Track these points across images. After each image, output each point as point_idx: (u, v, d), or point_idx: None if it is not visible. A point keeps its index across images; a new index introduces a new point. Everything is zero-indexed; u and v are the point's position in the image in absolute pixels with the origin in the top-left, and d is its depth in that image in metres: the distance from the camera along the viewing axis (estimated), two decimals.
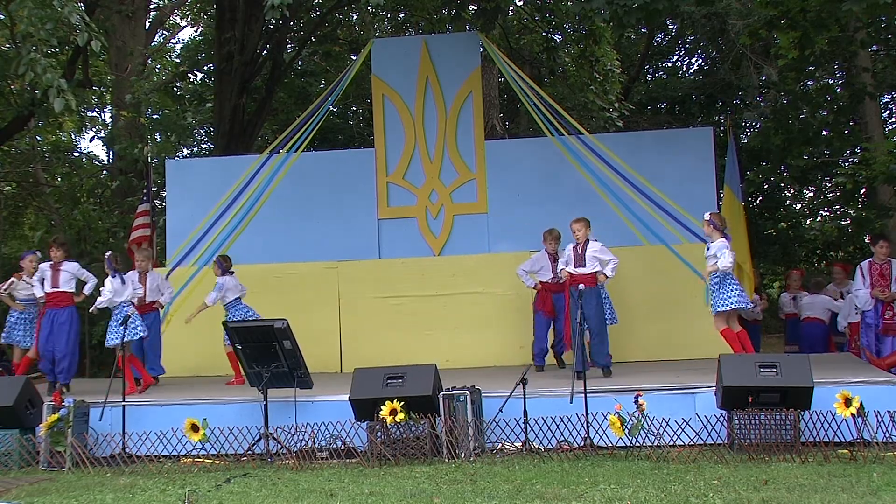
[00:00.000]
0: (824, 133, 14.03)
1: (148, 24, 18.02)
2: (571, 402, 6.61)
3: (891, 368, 7.86)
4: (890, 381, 6.77)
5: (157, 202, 13.23)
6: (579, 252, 8.16)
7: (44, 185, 18.22)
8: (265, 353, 7.05)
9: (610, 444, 6.47)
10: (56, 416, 6.95)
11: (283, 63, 16.38)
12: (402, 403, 6.51)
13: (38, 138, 17.96)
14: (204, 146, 19.05)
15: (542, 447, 6.57)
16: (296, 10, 13.21)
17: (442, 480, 5.66)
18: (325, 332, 10.36)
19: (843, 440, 6.21)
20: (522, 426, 6.69)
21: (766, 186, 18.62)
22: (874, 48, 14.56)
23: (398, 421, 6.48)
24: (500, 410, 6.77)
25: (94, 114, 18.31)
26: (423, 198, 10.96)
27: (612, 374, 8.07)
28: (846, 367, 7.88)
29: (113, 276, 8.41)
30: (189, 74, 18.92)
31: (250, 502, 5.28)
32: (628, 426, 6.38)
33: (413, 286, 10.50)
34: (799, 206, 20.04)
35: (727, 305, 7.66)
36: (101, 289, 8.52)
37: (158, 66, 20.58)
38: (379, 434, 6.56)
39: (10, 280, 8.75)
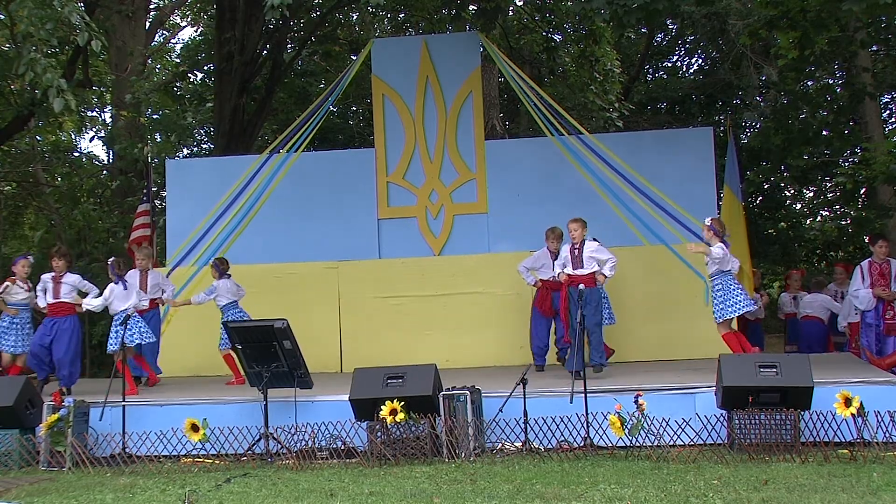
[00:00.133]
0: (824, 133, 14.03)
1: (148, 24, 18.02)
2: (571, 402, 6.61)
3: (891, 368, 7.86)
4: (890, 381, 6.77)
5: (157, 202, 13.23)
6: (576, 253, 8.13)
7: (44, 185, 18.21)
8: (265, 353, 7.05)
9: (610, 444, 6.47)
10: (56, 416, 6.95)
11: (283, 63, 16.37)
12: (402, 403, 6.51)
13: (38, 138, 17.95)
14: (204, 146, 19.04)
15: (542, 447, 6.57)
16: (296, 10, 13.19)
17: (442, 480, 5.66)
18: (325, 332, 10.36)
19: (843, 440, 6.21)
20: (522, 426, 6.69)
21: (766, 186, 18.61)
22: (874, 48, 14.56)
23: (398, 421, 6.48)
24: (500, 410, 6.77)
25: (94, 114, 18.35)
26: (423, 198, 10.96)
27: (602, 371, 8.02)
28: (846, 367, 7.88)
29: (116, 283, 8.42)
30: (189, 74, 18.91)
31: (250, 502, 5.28)
32: (628, 426, 6.38)
33: (413, 286, 10.51)
34: (799, 206, 20.04)
35: (733, 312, 7.67)
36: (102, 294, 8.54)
37: (158, 66, 20.58)
38: (379, 434, 6.56)
39: (5, 284, 8.72)
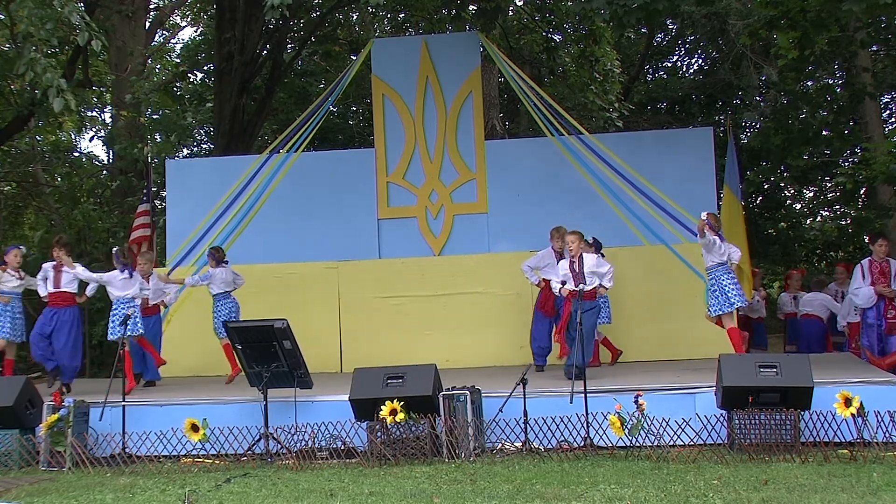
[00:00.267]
0: (824, 133, 14.03)
1: (148, 24, 18.02)
2: (571, 402, 6.61)
3: (891, 368, 7.86)
4: (890, 381, 6.78)
5: (157, 202, 13.24)
6: (577, 270, 8.09)
7: (44, 185, 18.22)
8: (265, 353, 7.05)
9: (610, 444, 6.47)
10: (56, 416, 6.96)
11: (283, 63, 16.37)
12: (402, 403, 6.51)
13: (38, 138, 17.96)
14: (204, 146, 19.03)
15: (542, 447, 6.57)
16: (296, 10, 13.20)
17: (442, 480, 5.66)
18: (325, 332, 10.36)
19: (843, 440, 6.21)
20: (522, 426, 6.69)
21: (766, 186, 18.60)
22: (874, 48, 14.55)
23: (398, 421, 6.48)
24: (500, 410, 6.77)
25: (94, 114, 18.35)
26: (423, 198, 10.96)
27: (580, 375, 8.02)
28: (846, 367, 7.88)
29: (122, 271, 8.44)
30: (189, 74, 18.91)
31: (250, 502, 5.28)
32: (628, 426, 6.39)
33: (413, 286, 10.51)
34: (799, 206, 20.02)
35: (726, 308, 7.80)
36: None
37: (158, 66, 20.57)
38: (379, 434, 6.56)
39: None
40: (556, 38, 16.85)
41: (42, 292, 8.63)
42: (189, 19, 20.73)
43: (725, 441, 6.44)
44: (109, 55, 15.80)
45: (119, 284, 8.45)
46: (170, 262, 10.76)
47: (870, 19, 10.56)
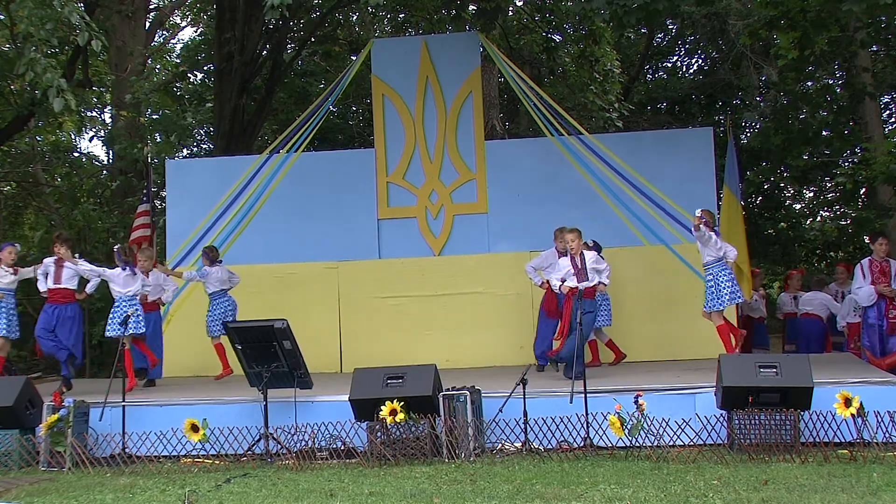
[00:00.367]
0: (824, 133, 14.02)
1: (148, 24, 18.02)
2: (571, 402, 6.61)
3: (891, 368, 7.87)
4: (890, 381, 6.78)
5: (157, 202, 13.23)
6: (579, 266, 8.12)
7: (44, 185, 18.21)
8: (265, 353, 7.05)
9: (610, 444, 6.48)
10: (56, 416, 6.95)
11: (283, 63, 16.36)
12: (402, 403, 6.51)
13: (38, 138, 17.95)
14: (204, 146, 19.02)
15: (542, 447, 6.57)
16: (296, 10, 13.19)
17: (442, 480, 5.66)
18: (325, 332, 10.37)
19: (843, 440, 6.21)
20: (522, 426, 6.69)
21: (766, 186, 18.59)
22: (874, 48, 14.55)
23: (398, 421, 6.48)
24: (500, 410, 6.77)
25: (94, 114, 18.34)
26: (423, 198, 10.96)
27: (560, 370, 8.03)
28: (846, 367, 7.88)
29: (123, 268, 8.45)
30: (189, 74, 18.89)
31: (250, 502, 5.28)
32: (628, 426, 6.39)
33: (413, 286, 10.51)
34: (799, 206, 20.02)
35: (721, 305, 7.94)
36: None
37: (158, 66, 20.56)
38: (379, 434, 6.56)
39: None
40: (556, 38, 16.85)
41: (42, 287, 8.63)
42: (189, 19, 20.73)
43: (725, 441, 6.44)
44: (109, 55, 15.79)
45: (121, 281, 8.45)
46: (170, 262, 10.76)
47: (870, 19, 10.56)
